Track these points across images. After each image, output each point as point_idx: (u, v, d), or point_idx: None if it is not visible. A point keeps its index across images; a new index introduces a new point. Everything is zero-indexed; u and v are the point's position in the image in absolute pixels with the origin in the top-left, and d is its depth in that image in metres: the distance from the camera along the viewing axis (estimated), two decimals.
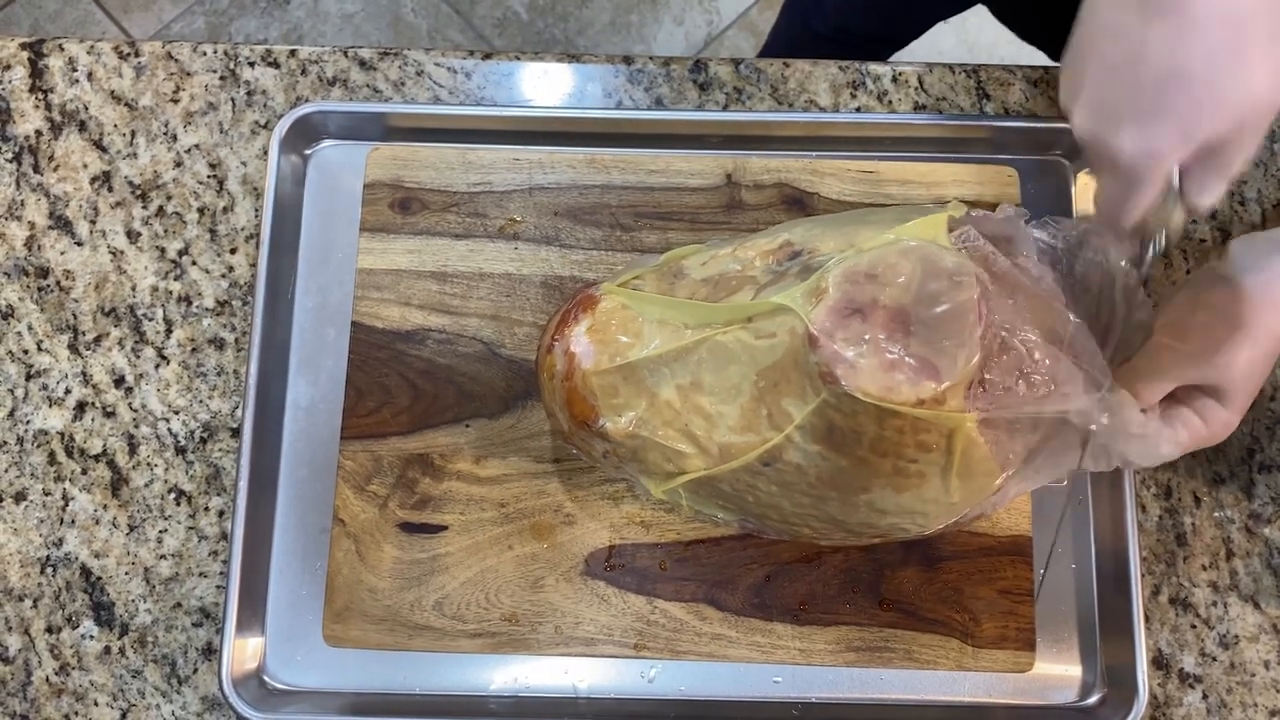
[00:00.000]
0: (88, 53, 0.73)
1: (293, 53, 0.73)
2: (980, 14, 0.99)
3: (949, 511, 0.54)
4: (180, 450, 0.68)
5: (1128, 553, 0.63)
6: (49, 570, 0.66)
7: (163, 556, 0.66)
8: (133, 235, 0.70)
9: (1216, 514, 0.67)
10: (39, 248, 0.70)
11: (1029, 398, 0.52)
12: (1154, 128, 0.49)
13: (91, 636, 0.66)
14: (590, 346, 0.57)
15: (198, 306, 0.70)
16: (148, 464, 0.67)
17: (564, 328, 0.58)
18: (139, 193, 0.71)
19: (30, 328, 0.69)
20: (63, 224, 0.71)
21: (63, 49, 0.73)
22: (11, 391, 0.68)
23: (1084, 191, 0.70)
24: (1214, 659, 0.65)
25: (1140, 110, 0.49)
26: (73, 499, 0.67)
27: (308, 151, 0.71)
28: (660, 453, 0.57)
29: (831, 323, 0.50)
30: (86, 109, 0.72)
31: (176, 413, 0.68)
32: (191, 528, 0.67)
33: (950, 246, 0.53)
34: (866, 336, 0.50)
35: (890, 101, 0.73)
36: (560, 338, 0.58)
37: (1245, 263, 0.54)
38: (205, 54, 0.73)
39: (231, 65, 0.73)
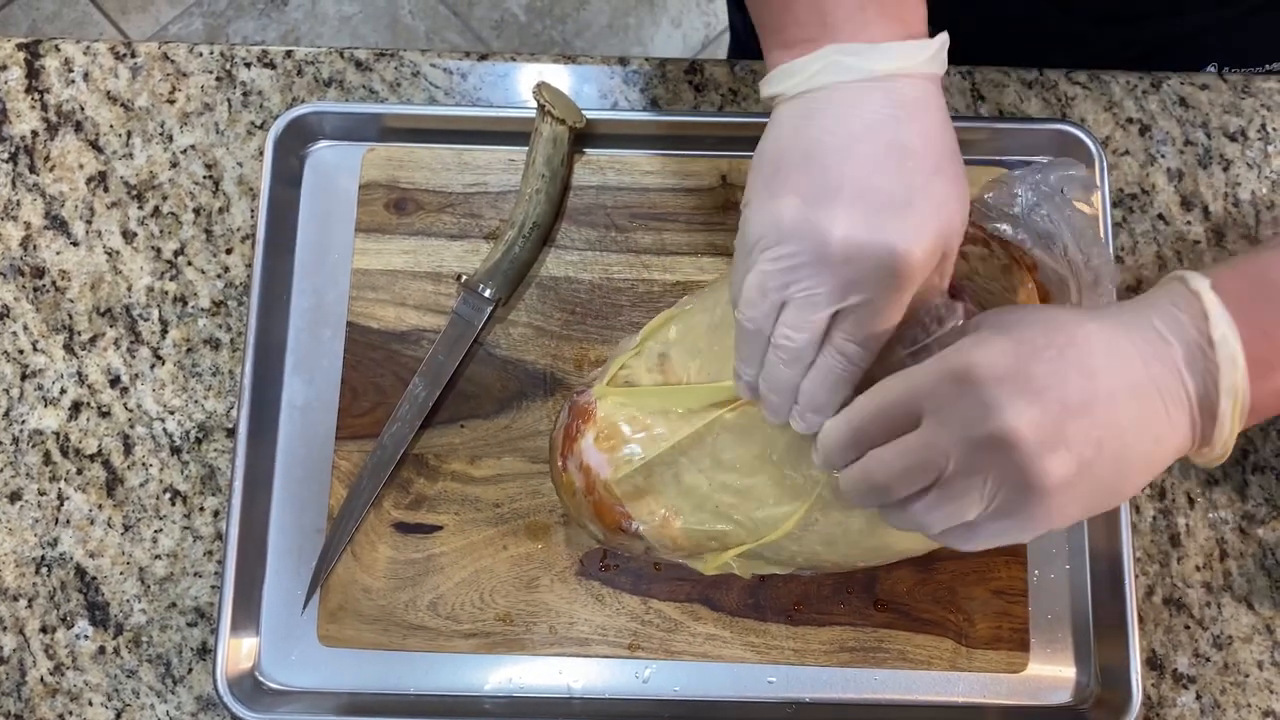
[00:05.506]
0: (84, 53, 0.73)
1: (289, 54, 0.73)
2: None
3: None
4: (175, 450, 0.68)
5: (1122, 553, 0.63)
6: (44, 570, 0.66)
7: (157, 556, 0.66)
8: (128, 235, 0.71)
9: (1210, 515, 0.67)
10: (34, 248, 0.70)
11: None
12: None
13: (86, 636, 0.66)
14: (602, 456, 0.56)
15: (193, 307, 0.70)
16: (143, 464, 0.67)
17: (570, 443, 0.58)
18: (135, 193, 0.71)
19: (26, 328, 0.69)
20: (58, 224, 0.71)
21: (59, 49, 0.73)
22: (7, 391, 0.68)
23: None
24: (1208, 660, 0.66)
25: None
26: (68, 499, 0.67)
27: (303, 152, 0.71)
28: (701, 535, 0.57)
29: None
30: (82, 109, 0.72)
31: (172, 413, 0.68)
32: (186, 528, 0.67)
33: None
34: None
35: None
36: (570, 454, 0.58)
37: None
38: (201, 55, 0.73)
39: (227, 66, 0.73)
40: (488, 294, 0.66)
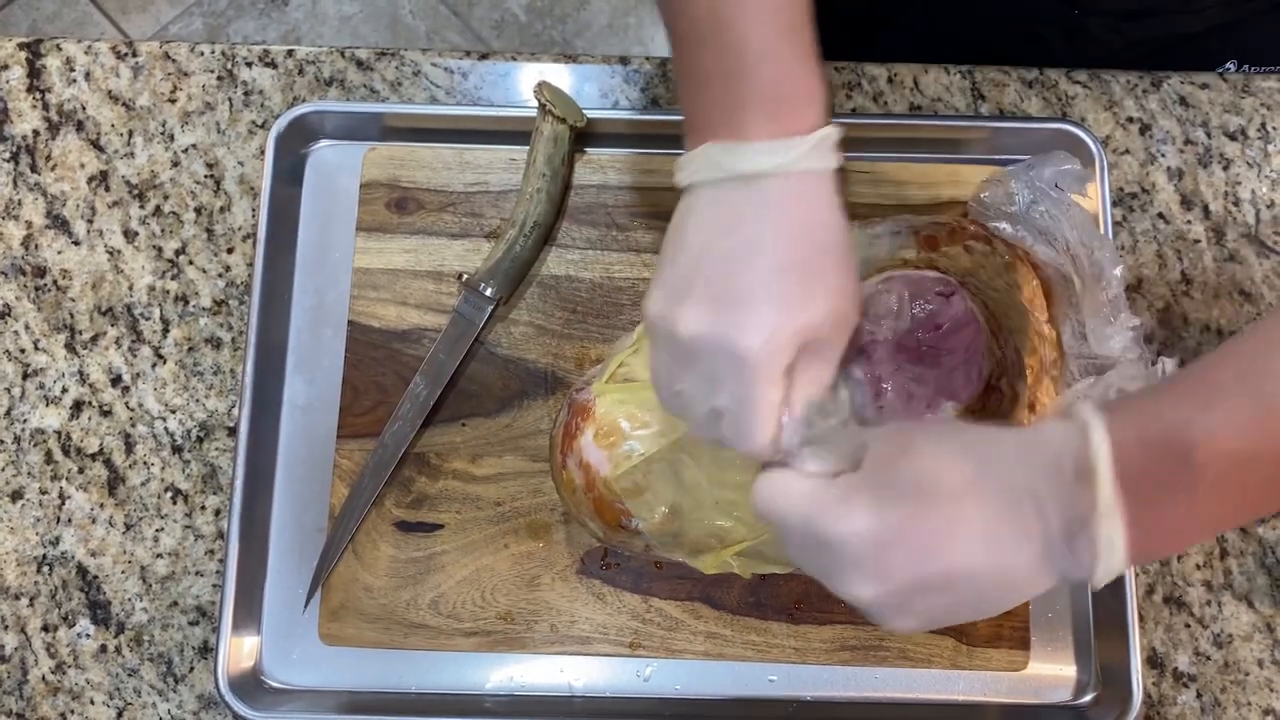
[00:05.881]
0: (85, 53, 0.73)
1: (290, 53, 0.74)
2: None
3: None
4: (177, 449, 0.68)
5: None
6: (45, 569, 0.66)
7: (159, 555, 0.67)
8: (130, 235, 0.71)
9: None
10: (36, 247, 0.70)
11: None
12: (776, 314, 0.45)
13: (88, 635, 0.66)
14: (601, 453, 0.56)
15: (194, 306, 0.70)
16: (144, 463, 0.68)
17: (570, 441, 0.58)
18: (136, 192, 0.71)
19: (27, 327, 0.69)
20: (60, 223, 0.71)
21: (60, 49, 0.73)
22: (8, 390, 0.68)
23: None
24: (1208, 658, 0.66)
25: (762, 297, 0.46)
26: (69, 498, 0.67)
27: (304, 151, 0.71)
28: (701, 531, 0.57)
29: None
30: (84, 109, 0.72)
31: (173, 412, 0.68)
32: (188, 527, 0.67)
33: None
34: (876, 375, 0.50)
35: (886, 102, 0.73)
36: (570, 452, 0.58)
37: None
38: (202, 54, 0.73)
39: (229, 65, 0.73)
40: (489, 293, 0.66)
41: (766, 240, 0.45)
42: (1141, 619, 0.65)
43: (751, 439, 0.46)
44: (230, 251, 0.71)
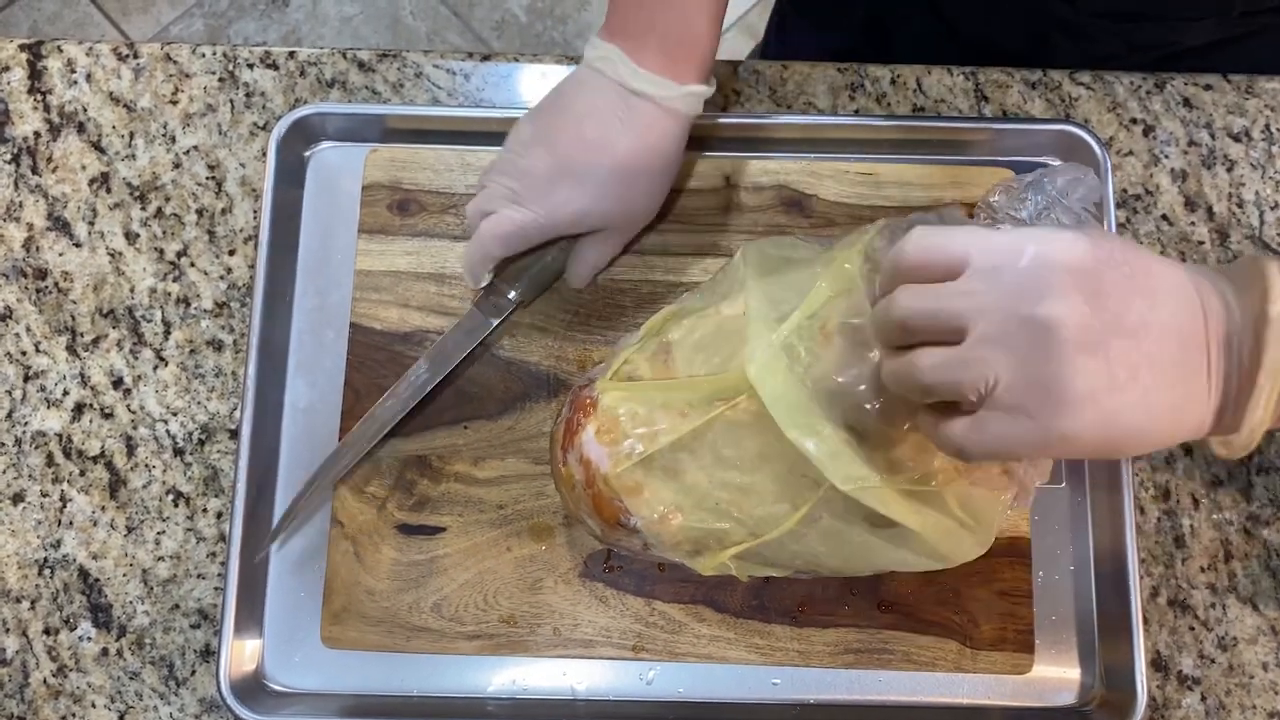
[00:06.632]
0: (86, 54, 0.73)
1: (291, 54, 0.73)
2: None
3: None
4: (178, 452, 0.68)
5: (1126, 554, 0.63)
6: (46, 572, 0.66)
7: (161, 558, 0.66)
8: (131, 237, 0.70)
9: (1215, 516, 0.67)
10: (37, 249, 0.70)
11: None
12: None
13: (89, 638, 0.65)
14: (603, 450, 0.56)
15: (196, 308, 0.70)
16: (146, 465, 0.67)
17: (571, 436, 0.58)
18: (137, 194, 0.71)
19: (28, 329, 0.69)
20: (61, 225, 0.71)
21: (61, 51, 0.73)
22: (9, 393, 0.68)
23: None
24: (1212, 661, 0.65)
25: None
26: (70, 500, 0.67)
27: (306, 153, 0.71)
28: (700, 532, 0.56)
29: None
30: (85, 110, 0.72)
31: (175, 414, 0.68)
32: (190, 529, 0.67)
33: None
34: (879, 370, 0.50)
35: (889, 103, 0.73)
36: (571, 447, 0.58)
37: None
38: (204, 56, 0.73)
39: (230, 67, 0.73)
40: (512, 295, 0.65)
41: (619, 144, 0.58)
42: (1146, 622, 0.65)
43: (469, 268, 0.63)
44: (232, 253, 0.70)
